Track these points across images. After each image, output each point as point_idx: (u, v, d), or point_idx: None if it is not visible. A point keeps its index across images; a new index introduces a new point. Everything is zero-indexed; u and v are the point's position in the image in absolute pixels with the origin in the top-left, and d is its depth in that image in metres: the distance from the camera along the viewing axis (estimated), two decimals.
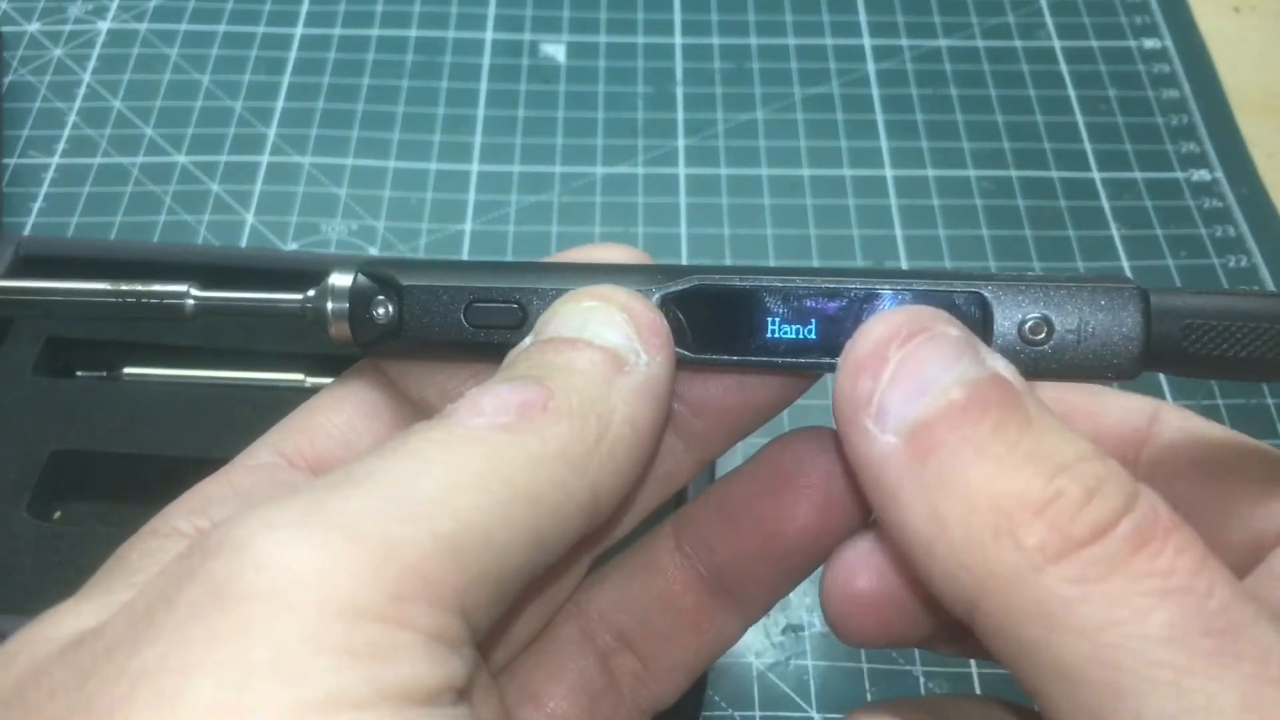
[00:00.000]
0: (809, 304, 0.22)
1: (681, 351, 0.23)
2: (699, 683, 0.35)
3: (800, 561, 0.25)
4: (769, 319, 0.23)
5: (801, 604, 0.44)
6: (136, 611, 0.17)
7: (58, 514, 0.42)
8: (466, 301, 0.23)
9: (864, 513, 0.24)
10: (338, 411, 0.25)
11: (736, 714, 0.41)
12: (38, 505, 0.40)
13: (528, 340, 0.22)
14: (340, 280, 0.23)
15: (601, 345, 0.21)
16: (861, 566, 0.22)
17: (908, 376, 0.19)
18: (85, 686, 0.16)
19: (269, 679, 0.15)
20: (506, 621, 0.25)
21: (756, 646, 0.43)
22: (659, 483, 0.25)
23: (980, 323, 0.22)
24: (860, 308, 0.22)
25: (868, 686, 0.42)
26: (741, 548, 0.25)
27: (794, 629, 0.43)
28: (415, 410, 0.25)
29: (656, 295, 0.23)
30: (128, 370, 0.44)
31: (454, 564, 0.17)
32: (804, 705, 0.41)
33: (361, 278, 0.23)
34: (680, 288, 0.23)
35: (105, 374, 0.44)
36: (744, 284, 0.23)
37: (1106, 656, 0.17)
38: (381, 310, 0.23)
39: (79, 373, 0.44)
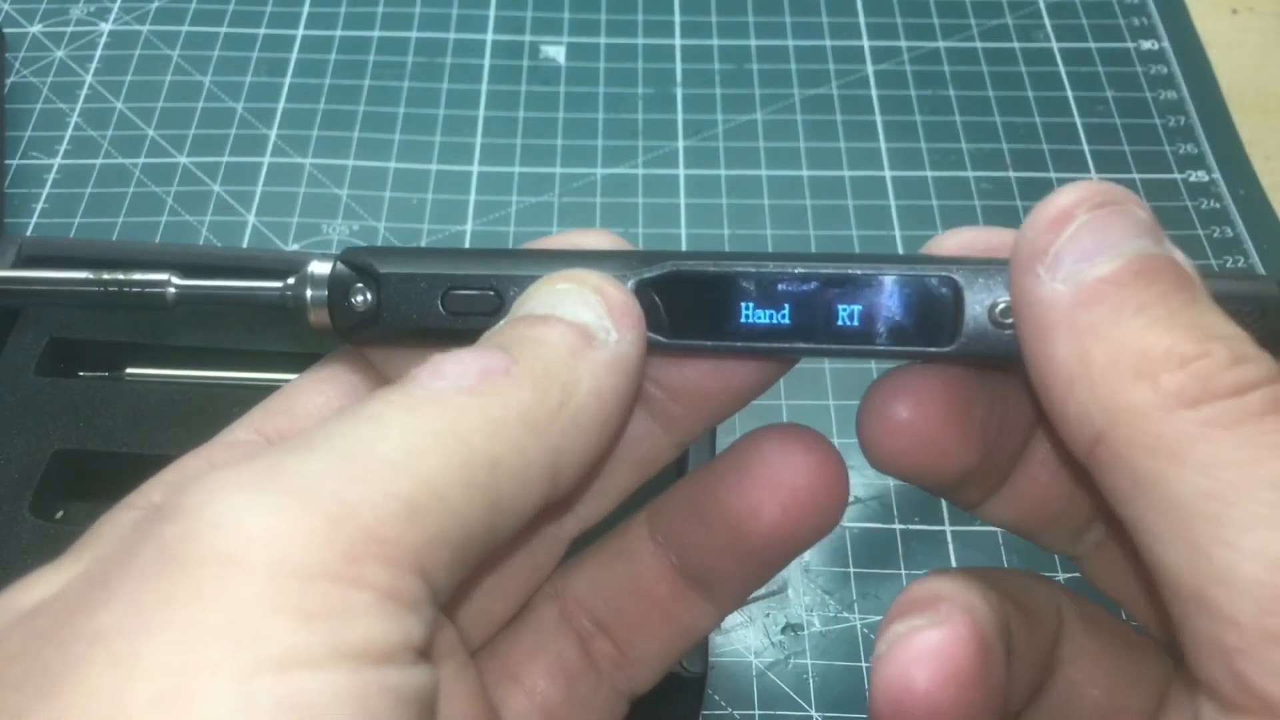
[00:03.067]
0: (782, 289, 0.23)
1: (655, 336, 0.23)
2: (699, 682, 0.35)
3: (767, 559, 0.25)
4: (743, 304, 0.23)
5: (801, 603, 0.44)
6: (93, 577, 0.17)
7: (60, 514, 0.42)
8: (444, 289, 0.23)
9: (833, 512, 0.24)
10: (318, 393, 0.25)
11: (736, 713, 0.41)
12: (40, 505, 0.40)
13: (502, 323, 0.22)
14: (319, 268, 0.24)
15: (572, 321, 0.21)
16: (900, 394, 0.23)
17: (1089, 237, 0.20)
18: (42, 651, 0.16)
19: (222, 639, 0.15)
20: (473, 589, 0.25)
21: (756, 646, 0.43)
22: (636, 466, 0.25)
23: (952, 305, 0.22)
24: (832, 292, 0.23)
25: (867, 686, 0.42)
26: (709, 542, 0.25)
27: (794, 628, 0.43)
28: None
29: (631, 281, 0.23)
30: (130, 370, 0.44)
31: (410, 524, 0.17)
32: (803, 705, 0.41)
33: (340, 265, 0.24)
34: (655, 273, 0.23)
35: (108, 374, 0.44)
36: (717, 269, 0.23)
37: (1218, 491, 0.17)
38: (360, 298, 0.23)
39: (81, 373, 0.44)
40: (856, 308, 0.23)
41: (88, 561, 0.19)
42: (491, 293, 0.23)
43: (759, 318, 0.23)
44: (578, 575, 0.26)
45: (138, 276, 0.24)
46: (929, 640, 0.20)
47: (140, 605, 0.16)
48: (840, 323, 0.23)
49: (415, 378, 0.20)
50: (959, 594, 0.21)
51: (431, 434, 0.18)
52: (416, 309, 0.23)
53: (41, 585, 0.19)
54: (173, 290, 0.24)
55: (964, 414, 0.23)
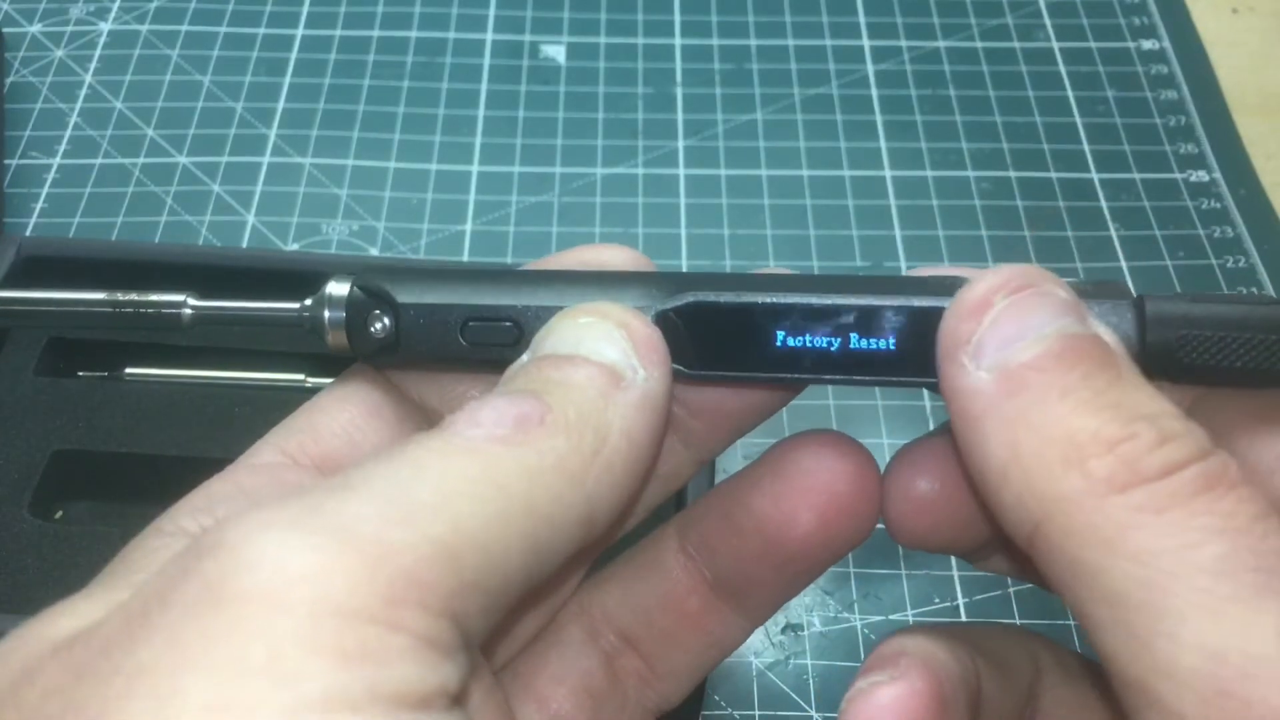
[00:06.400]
0: (806, 319, 0.23)
1: (679, 368, 0.23)
2: (699, 682, 0.35)
3: (804, 567, 0.25)
4: (766, 334, 0.23)
5: (801, 603, 0.44)
6: (132, 611, 0.17)
7: (59, 513, 0.42)
8: (463, 319, 0.23)
9: (869, 518, 0.24)
10: (341, 410, 0.25)
11: (736, 713, 0.41)
12: (39, 505, 0.40)
13: (525, 357, 0.22)
14: (337, 289, 0.23)
15: (599, 361, 0.21)
16: (923, 468, 0.23)
17: (1009, 323, 0.20)
18: (79, 686, 0.16)
19: (262, 679, 0.15)
20: (508, 623, 0.25)
21: (756, 646, 0.43)
22: (660, 482, 0.25)
23: None
24: (858, 323, 0.22)
25: None
26: (744, 552, 0.24)
27: (794, 628, 0.43)
28: (417, 408, 0.25)
29: (653, 311, 0.23)
30: (129, 370, 0.44)
31: (448, 569, 0.17)
32: (804, 705, 0.41)
33: (357, 290, 0.23)
34: (677, 304, 0.23)
35: (107, 374, 0.44)
36: (740, 300, 0.23)
37: (1154, 580, 0.17)
38: (378, 325, 0.23)
39: (81, 373, 0.44)
40: (881, 339, 0.22)
41: (122, 590, 0.19)
42: (511, 324, 0.23)
43: (783, 347, 0.23)
44: (605, 590, 0.26)
45: (153, 297, 0.24)
46: (886, 695, 0.21)
47: (181, 641, 0.16)
48: (866, 352, 0.22)
49: (452, 425, 0.20)
50: (921, 649, 0.22)
51: (469, 482, 0.18)
52: (436, 339, 0.23)
53: (72, 614, 0.18)
54: (189, 311, 0.24)
55: None
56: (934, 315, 0.22)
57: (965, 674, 0.22)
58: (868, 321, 0.22)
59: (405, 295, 0.23)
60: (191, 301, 0.24)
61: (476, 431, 0.19)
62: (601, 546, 0.26)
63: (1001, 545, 0.25)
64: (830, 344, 0.23)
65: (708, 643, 0.26)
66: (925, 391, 0.47)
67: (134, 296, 0.24)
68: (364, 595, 0.16)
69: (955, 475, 0.23)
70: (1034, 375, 0.19)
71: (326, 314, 0.23)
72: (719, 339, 0.23)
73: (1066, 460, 0.18)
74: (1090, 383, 0.19)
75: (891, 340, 0.22)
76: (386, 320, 0.23)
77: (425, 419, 0.25)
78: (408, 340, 0.23)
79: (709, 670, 0.26)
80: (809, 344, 0.23)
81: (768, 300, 0.23)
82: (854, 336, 0.22)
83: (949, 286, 0.22)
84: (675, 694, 0.26)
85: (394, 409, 0.25)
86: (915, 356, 0.22)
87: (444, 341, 0.23)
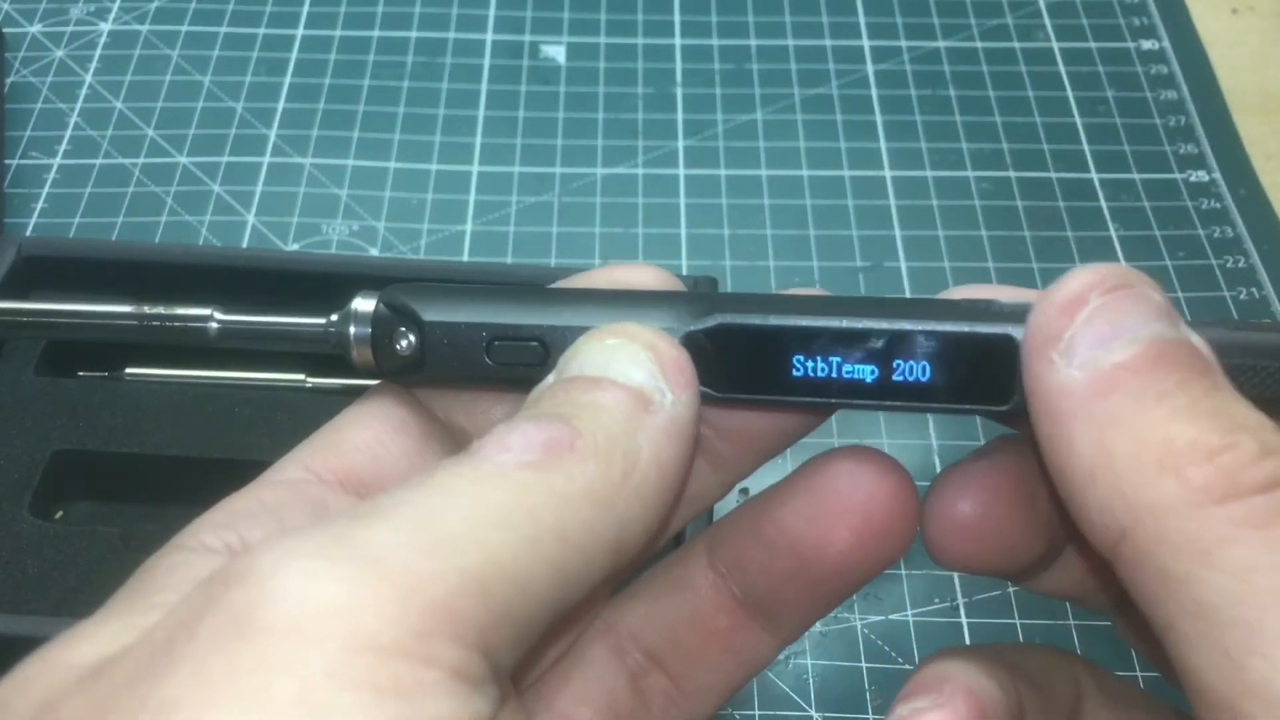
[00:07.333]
0: (835, 344, 0.22)
1: (707, 390, 0.22)
2: (726, 701, 0.35)
3: (837, 587, 0.24)
4: (795, 357, 0.22)
5: None
6: (157, 641, 0.16)
7: (60, 514, 0.42)
8: (488, 340, 0.23)
9: (906, 538, 0.23)
10: (365, 427, 0.24)
11: (736, 714, 0.41)
12: (40, 505, 0.40)
13: (550, 378, 0.22)
14: (364, 305, 0.23)
15: (626, 384, 0.21)
16: (966, 490, 0.23)
17: (1104, 322, 0.19)
18: (104, 719, 0.16)
19: (291, 714, 0.15)
20: (534, 650, 0.24)
21: None
22: (686, 505, 0.25)
23: (1008, 363, 0.21)
24: (888, 348, 0.22)
25: (867, 686, 0.42)
26: (776, 571, 0.24)
27: None
28: (442, 425, 0.25)
29: (681, 333, 0.22)
30: (129, 370, 0.44)
31: (479, 599, 0.17)
32: (804, 705, 0.41)
33: (382, 307, 0.23)
34: (705, 326, 0.22)
35: (107, 374, 0.44)
36: (769, 324, 0.22)
37: (1251, 597, 0.16)
38: (404, 342, 0.23)
39: (81, 373, 0.44)
40: (912, 364, 0.22)
41: (143, 612, 0.18)
42: (537, 343, 0.23)
43: (811, 371, 0.22)
44: (631, 608, 0.26)
45: (180, 311, 0.24)
46: None
47: (208, 675, 0.15)
48: (896, 379, 0.22)
49: (481, 450, 0.19)
50: (963, 674, 0.22)
51: (499, 509, 0.18)
52: (461, 358, 0.23)
53: (94, 639, 0.18)
54: (215, 326, 0.24)
55: (1029, 508, 0.23)
56: (968, 340, 0.21)
57: (1008, 699, 0.22)
58: (900, 347, 0.22)
59: (431, 314, 0.23)
60: (218, 315, 0.24)
61: (505, 457, 0.19)
62: (627, 571, 0.25)
63: (1045, 565, 0.24)
64: (863, 369, 0.22)
65: (736, 661, 0.25)
66: None
67: (160, 310, 0.24)
68: (396, 629, 0.16)
69: (999, 498, 0.22)
70: (1129, 377, 0.18)
71: (352, 330, 0.23)
72: (748, 362, 0.22)
73: (1162, 465, 0.18)
74: (1187, 389, 0.18)
75: (926, 366, 0.22)
76: (412, 338, 0.23)
77: (450, 435, 0.25)
78: (433, 358, 0.23)
79: (738, 689, 0.26)
80: (841, 369, 0.22)
81: (798, 324, 0.22)
82: (887, 362, 0.22)
83: (980, 311, 0.22)
84: (702, 713, 0.26)
85: (419, 425, 0.25)
86: (951, 383, 0.22)
87: (469, 360, 0.23)
